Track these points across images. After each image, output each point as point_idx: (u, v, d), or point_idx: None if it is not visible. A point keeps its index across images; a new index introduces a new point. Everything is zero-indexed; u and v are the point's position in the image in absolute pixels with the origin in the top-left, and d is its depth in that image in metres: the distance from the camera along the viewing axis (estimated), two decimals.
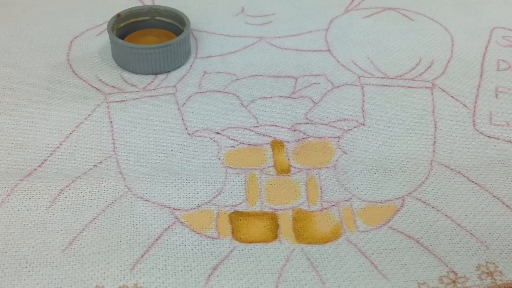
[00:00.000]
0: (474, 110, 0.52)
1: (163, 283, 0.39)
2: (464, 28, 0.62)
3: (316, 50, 0.59)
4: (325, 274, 0.39)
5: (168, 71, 0.56)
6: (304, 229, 0.42)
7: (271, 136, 0.50)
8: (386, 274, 0.39)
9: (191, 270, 0.40)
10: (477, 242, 0.41)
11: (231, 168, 0.47)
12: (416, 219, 0.43)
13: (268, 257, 0.40)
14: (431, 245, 0.41)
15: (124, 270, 0.39)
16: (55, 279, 0.39)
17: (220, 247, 0.41)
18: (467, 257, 0.40)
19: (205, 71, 0.56)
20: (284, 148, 0.49)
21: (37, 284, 0.39)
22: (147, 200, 0.44)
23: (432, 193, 0.45)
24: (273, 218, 0.43)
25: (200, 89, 0.54)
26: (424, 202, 0.44)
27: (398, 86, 0.54)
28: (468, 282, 0.39)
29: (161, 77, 0.55)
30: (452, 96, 0.54)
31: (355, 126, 0.50)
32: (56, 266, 0.40)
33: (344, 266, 0.40)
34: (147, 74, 0.56)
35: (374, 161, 0.47)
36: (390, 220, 0.43)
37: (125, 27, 0.59)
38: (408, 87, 0.54)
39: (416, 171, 0.46)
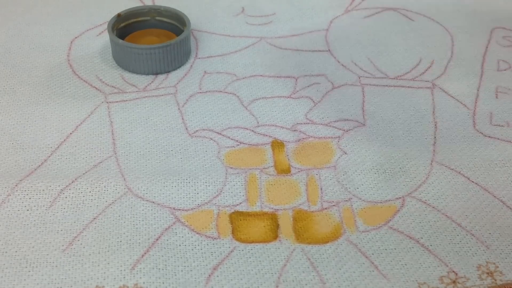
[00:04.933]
0: (474, 110, 0.52)
1: (163, 283, 0.39)
2: (464, 28, 0.62)
3: (316, 50, 0.59)
4: (326, 274, 0.39)
5: (169, 71, 0.56)
6: (304, 229, 0.42)
7: (271, 136, 0.50)
8: (386, 274, 0.39)
9: (191, 270, 0.40)
10: (477, 242, 0.41)
11: (231, 168, 0.47)
12: (416, 219, 0.43)
13: (269, 257, 0.40)
14: (431, 245, 0.41)
15: (125, 270, 0.39)
16: (56, 279, 0.39)
17: (220, 247, 0.41)
18: (468, 257, 0.40)
19: (205, 71, 0.56)
20: (284, 148, 0.49)
21: (37, 284, 0.39)
22: (147, 200, 0.44)
23: (433, 193, 0.45)
24: (273, 218, 0.43)
25: (200, 89, 0.54)
26: (425, 202, 0.44)
27: (398, 86, 0.54)
28: (468, 282, 0.39)
29: (161, 77, 0.55)
30: (452, 96, 0.54)
31: (356, 126, 0.50)
32: (56, 266, 0.40)
33: (344, 266, 0.40)
34: (147, 74, 0.56)
35: (375, 161, 0.47)
36: (390, 220, 0.43)
37: (126, 27, 0.59)
38: (408, 87, 0.54)
39: (416, 171, 0.46)
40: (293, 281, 0.39)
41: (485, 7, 0.65)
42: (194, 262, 0.40)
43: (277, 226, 0.43)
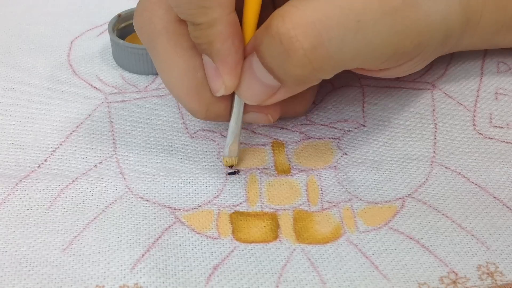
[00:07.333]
0: (474, 112, 0.52)
1: (163, 282, 0.39)
2: None
3: None
4: (326, 274, 0.39)
5: None
6: (304, 229, 0.42)
7: (271, 137, 0.50)
8: (386, 275, 0.39)
9: (191, 270, 0.40)
10: (477, 242, 0.41)
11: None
12: (416, 219, 0.43)
13: (269, 257, 0.40)
14: (431, 245, 0.41)
15: (125, 269, 0.39)
16: (56, 278, 0.39)
17: (220, 247, 0.41)
18: (468, 257, 0.40)
19: None
20: (284, 148, 0.49)
21: (37, 283, 0.39)
22: (147, 200, 0.44)
23: (433, 194, 0.45)
24: (273, 219, 0.43)
25: None
26: (425, 203, 0.44)
27: (398, 87, 0.55)
28: (468, 283, 0.39)
29: None
30: (452, 98, 0.54)
31: (356, 127, 0.51)
32: (56, 265, 0.40)
33: (344, 267, 0.40)
34: (148, 74, 0.56)
35: (375, 162, 0.47)
36: (390, 220, 0.43)
37: (126, 28, 0.59)
38: (408, 88, 0.54)
39: (416, 172, 0.46)
40: (293, 281, 0.39)
41: None
42: (194, 262, 0.40)
43: (278, 226, 0.43)
